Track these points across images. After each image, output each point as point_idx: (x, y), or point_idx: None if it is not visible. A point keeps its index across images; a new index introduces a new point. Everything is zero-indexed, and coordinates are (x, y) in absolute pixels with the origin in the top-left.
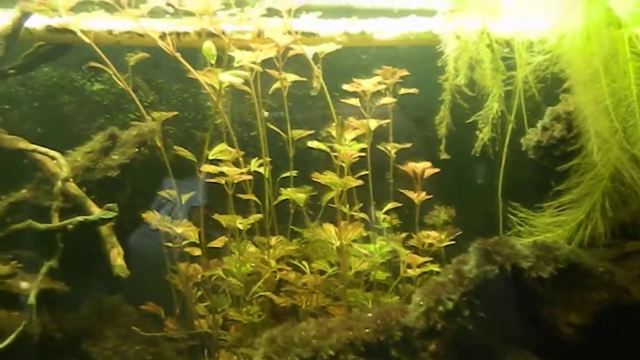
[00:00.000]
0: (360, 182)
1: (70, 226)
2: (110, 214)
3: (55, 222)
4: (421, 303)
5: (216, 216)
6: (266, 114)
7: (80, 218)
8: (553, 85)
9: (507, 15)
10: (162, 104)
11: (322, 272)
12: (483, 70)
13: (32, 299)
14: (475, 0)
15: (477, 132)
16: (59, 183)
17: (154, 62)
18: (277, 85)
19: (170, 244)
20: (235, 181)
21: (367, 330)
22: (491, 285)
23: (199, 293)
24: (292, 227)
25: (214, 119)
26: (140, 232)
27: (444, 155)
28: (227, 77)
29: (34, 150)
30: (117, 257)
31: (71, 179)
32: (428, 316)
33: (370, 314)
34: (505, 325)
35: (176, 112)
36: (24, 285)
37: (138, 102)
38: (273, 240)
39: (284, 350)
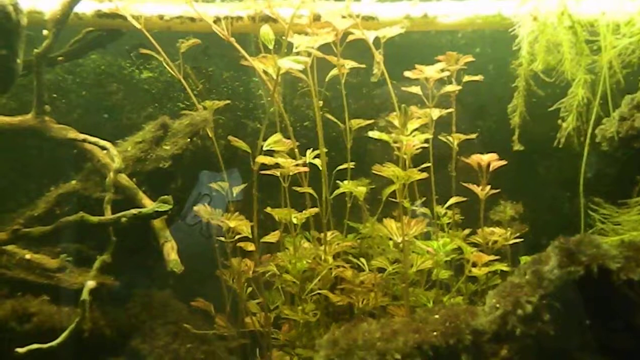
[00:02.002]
0: (424, 175)
1: (124, 219)
2: (165, 207)
3: (108, 215)
4: (497, 306)
5: (270, 210)
6: (320, 103)
7: (134, 211)
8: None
9: None
10: (212, 93)
11: (381, 270)
12: (562, 55)
13: (85, 295)
14: None
15: (560, 121)
16: (112, 174)
17: (203, 48)
18: (334, 72)
19: (222, 239)
20: (291, 173)
21: (435, 333)
22: (573, 288)
23: (249, 290)
24: (347, 222)
25: (266, 108)
26: (177, 226)
27: (517, 147)
28: (287, 63)
29: (84, 140)
30: (170, 252)
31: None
32: (505, 320)
33: (437, 316)
34: (588, 331)
35: (228, 101)
36: (79, 279)
37: (189, 91)
38: (329, 235)
39: (347, 353)
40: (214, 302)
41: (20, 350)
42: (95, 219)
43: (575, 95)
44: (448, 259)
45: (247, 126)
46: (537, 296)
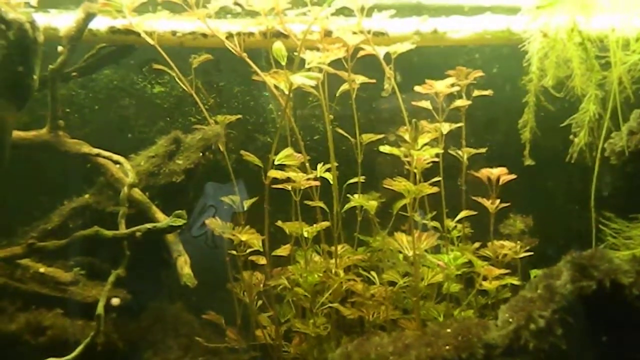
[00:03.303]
0: (435, 189)
1: (138, 234)
2: (180, 222)
3: (122, 229)
4: (510, 320)
5: (281, 223)
6: (331, 117)
7: (148, 225)
8: None
9: (600, 11)
10: (223, 107)
11: (391, 283)
12: (572, 70)
13: (100, 309)
14: None
15: (572, 136)
16: (126, 189)
17: (215, 63)
18: (345, 87)
19: (232, 251)
20: (303, 187)
21: (447, 347)
22: (585, 302)
23: (259, 302)
24: (357, 235)
25: (276, 122)
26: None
27: (528, 162)
28: (300, 79)
29: (97, 155)
30: (184, 266)
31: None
32: (518, 334)
33: (449, 330)
34: (600, 345)
35: (239, 116)
36: (92, 293)
37: (201, 105)
38: (340, 249)
39: None
40: (220, 313)
41: None
42: (109, 233)
43: (587, 110)
44: (459, 272)
45: (258, 140)
46: (550, 311)
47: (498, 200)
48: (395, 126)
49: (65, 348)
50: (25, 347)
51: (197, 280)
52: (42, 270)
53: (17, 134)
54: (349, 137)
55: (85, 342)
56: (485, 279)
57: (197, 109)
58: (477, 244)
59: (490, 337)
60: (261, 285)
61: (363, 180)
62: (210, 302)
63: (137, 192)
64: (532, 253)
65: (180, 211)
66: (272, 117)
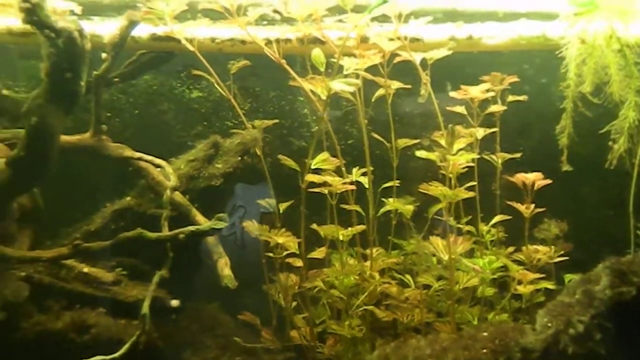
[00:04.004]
0: (471, 194)
1: (181, 235)
2: (221, 224)
3: (166, 231)
4: (549, 325)
5: (317, 227)
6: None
7: (192, 228)
8: None
9: (639, 17)
10: (259, 112)
11: (425, 287)
12: (609, 77)
13: (145, 309)
14: (604, 3)
15: (610, 142)
16: (168, 192)
17: (251, 69)
18: (381, 92)
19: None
20: (339, 191)
21: (484, 351)
22: (624, 308)
23: (294, 304)
24: (391, 238)
25: (310, 126)
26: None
27: (566, 167)
28: (339, 86)
29: (139, 159)
30: (224, 268)
31: None
32: (557, 339)
33: (485, 333)
34: (638, 351)
35: (276, 120)
36: (133, 292)
37: (239, 110)
38: (374, 252)
39: None
40: (252, 313)
41: None
42: (153, 235)
43: (626, 117)
44: (494, 276)
45: (293, 144)
46: (589, 316)
47: (533, 205)
48: (428, 131)
49: (109, 346)
50: (71, 345)
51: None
52: (85, 270)
53: (62, 138)
54: (385, 141)
55: (132, 340)
56: (520, 283)
57: (233, 113)
58: (510, 249)
59: (527, 341)
60: (296, 287)
61: (393, 184)
62: (240, 302)
63: (178, 195)
64: (566, 258)
65: (221, 214)
66: (307, 122)
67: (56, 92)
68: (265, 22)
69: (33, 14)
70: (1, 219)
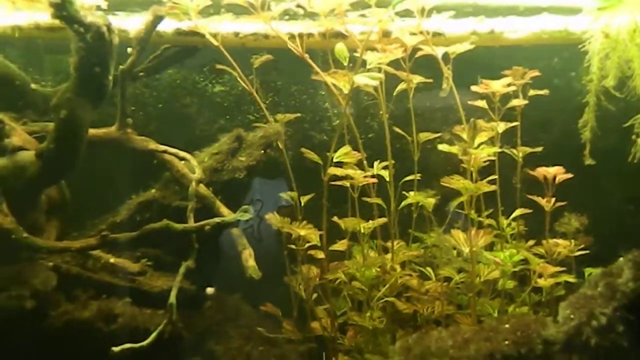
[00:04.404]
0: (493, 188)
1: (207, 227)
2: (247, 216)
3: (191, 223)
4: (572, 317)
5: (338, 219)
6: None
7: (217, 219)
8: None
9: None
10: (280, 106)
11: (446, 279)
12: (633, 71)
13: (172, 299)
14: None
15: (634, 136)
16: (193, 184)
17: (273, 64)
18: (402, 86)
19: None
20: (360, 184)
21: (506, 342)
22: None
23: (314, 295)
24: (412, 231)
25: (331, 120)
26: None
27: (589, 161)
28: (363, 80)
29: (164, 151)
30: (248, 259)
31: None
32: (580, 331)
33: (507, 325)
34: None
35: (299, 114)
36: (158, 283)
37: (261, 104)
38: (395, 244)
39: (421, 359)
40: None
41: (115, 349)
42: (179, 226)
43: None
44: (516, 269)
45: (314, 138)
46: (611, 308)
47: (553, 199)
48: (448, 125)
49: (135, 335)
50: (98, 334)
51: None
52: (112, 260)
53: (89, 131)
54: (406, 135)
55: (159, 329)
56: (540, 276)
57: (255, 107)
58: (531, 242)
59: (548, 333)
60: (317, 279)
61: (414, 178)
62: (259, 293)
63: (202, 188)
64: (587, 252)
65: (246, 206)
66: (328, 116)
67: (85, 86)
68: (287, 17)
69: (62, 9)
70: (31, 210)
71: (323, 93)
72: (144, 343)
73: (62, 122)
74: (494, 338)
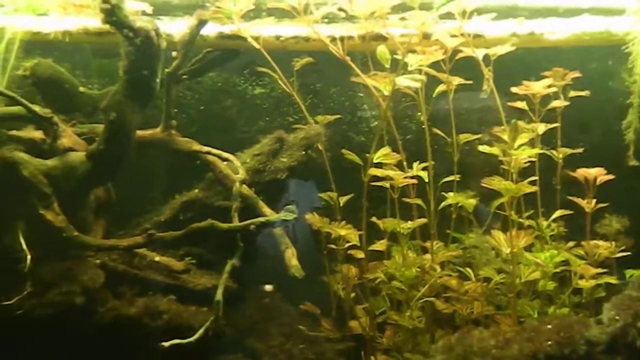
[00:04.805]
0: (534, 189)
1: (252, 226)
2: (291, 215)
3: (236, 222)
4: (617, 318)
5: (378, 220)
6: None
7: (262, 219)
8: None
9: None
10: (319, 107)
11: (486, 280)
12: None
13: (219, 296)
14: None
15: None
16: (237, 184)
17: (312, 66)
18: (442, 87)
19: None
20: (400, 185)
21: (549, 343)
22: None
23: (353, 295)
24: (449, 232)
25: (369, 122)
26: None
27: (632, 162)
28: (405, 81)
29: (207, 152)
30: (291, 258)
31: None
32: (625, 332)
33: (549, 326)
34: None
35: (339, 115)
36: (201, 281)
37: (302, 106)
38: (434, 245)
39: (463, 359)
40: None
41: (164, 344)
42: (225, 225)
43: None
44: (557, 270)
45: (352, 139)
46: None
47: (594, 200)
48: (486, 126)
49: (180, 332)
50: (145, 330)
51: (281, 271)
52: (157, 259)
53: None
54: (445, 137)
55: (206, 325)
56: (581, 277)
57: (294, 109)
58: (571, 243)
59: (592, 334)
60: (356, 279)
61: (454, 179)
62: (296, 292)
63: (244, 188)
64: (628, 253)
65: (291, 206)
66: (366, 117)
67: (134, 89)
68: (326, 20)
69: (112, 15)
70: (80, 209)
71: (361, 95)
72: (192, 339)
73: (112, 123)
74: (536, 338)
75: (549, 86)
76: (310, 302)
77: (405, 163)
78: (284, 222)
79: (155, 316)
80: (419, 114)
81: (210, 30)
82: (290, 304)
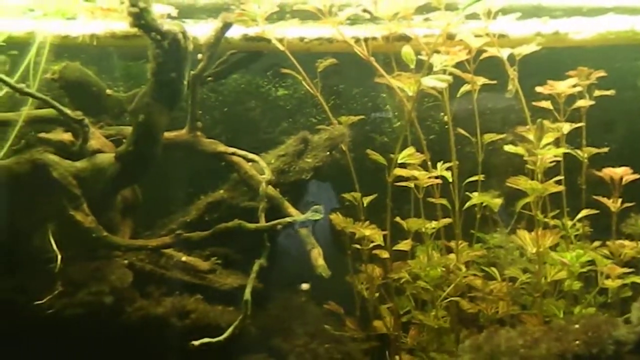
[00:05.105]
0: (560, 188)
1: (279, 226)
2: (318, 216)
3: (263, 223)
4: None
5: (402, 220)
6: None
7: (289, 219)
8: None
9: None
10: (342, 108)
11: (510, 280)
12: None
13: (247, 295)
14: None
15: None
16: (264, 185)
17: (334, 67)
18: (466, 87)
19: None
20: (425, 185)
21: (577, 343)
22: None
23: (376, 294)
24: (472, 232)
25: (392, 122)
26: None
27: None
28: (432, 82)
29: (233, 153)
30: (318, 257)
31: None
32: None
33: (577, 326)
34: None
35: (362, 116)
36: (227, 281)
37: (326, 107)
38: (459, 245)
39: (491, 358)
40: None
41: (194, 343)
42: (252, 226)
43: None
44: (583, 270)
45: (375, 140)
46: None
47: (620, 200)
48: (509, 126)
49: (207, 331)
50: (173, 329)
51: (301, 271)
52: (184, 259)
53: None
54: (470, 136)
55: (235, 324)
56: (607, 277)
57: (317, 110)
58: (596, 243)
59: (620, 333)
60: (380, 278)
61: (478, 179)
62: (319, 292)
63: (270, 188)
64: None
65: (318, 206)
66: (389, 118)
67: (161, 91)
68: (348, 21)
69: (141, 18)
70: (108, 210)
71: (384, 96)
72: (221, 337)
73: (141, 125)
74: (564, 338)
75: (574, 85)
76: (334, 301)
77: (429, 163)
78: (303, 222)
79: (183, 316)
80: (442, 114)
81: (234, 33)
82: (314, 304)
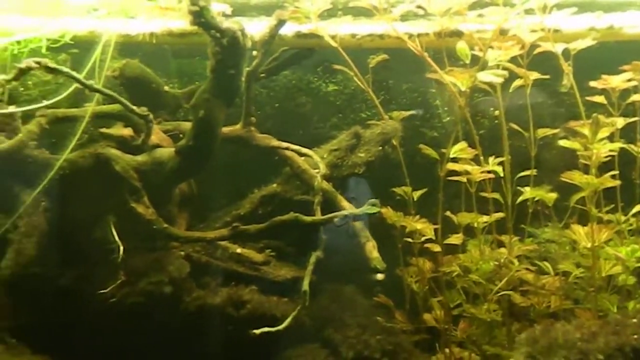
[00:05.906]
0: (616, 183)
1: (335, 220)
2: (374, 209)
3: (318, 216)
4: None
5: (453, 214)
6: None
7: (345, 212)
8: None
9: None
10: (391, 103)
11: (564, 274)
12: None
13: (305, 286)
14: None
15: None
16: (319, 179)
17: (383, 63)
18: (519, 82)
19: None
20: (478, 179)
21: (635, 336)
22: None
23: (426, 288)
24: (524, 226)
25: (442, 118)
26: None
27: None
28: (488, 77)
29: (286, 148)
30: (372, 250)
31: None
32: None
33: (635, 320)
34: None
35: (413, 112)
36: (281, 272)
37: (377, 102)
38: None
39: (548, 351)
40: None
41: (255, 331)
42: (308, 218)
43: None
44: (638, 265)
45: (425, 135)
46: None
47: None
48: (560, 121)
49: (262, 321)
50: (230, 319)
51: (338, 266)
52: (238, 251)
53: None
54: (523, 132)
55: (293, 314)
56: None
57: (367, 105)
58: None
59: None
60: (430, 272)
61: (531, 174)
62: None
63: (324, 182)
64: None
65: (374, 200)
66: (439, 113)
67: (220, 87)
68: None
69: (200, 16)
70: (167, 203)
71: (433, 91)
72: (280, 327)
73: (200, 120)
74: (622, 332)
75: (629, 80)
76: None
77: (482, 158)
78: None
79: (239, 306)
80: (492, 109)
81: (287, 30)
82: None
